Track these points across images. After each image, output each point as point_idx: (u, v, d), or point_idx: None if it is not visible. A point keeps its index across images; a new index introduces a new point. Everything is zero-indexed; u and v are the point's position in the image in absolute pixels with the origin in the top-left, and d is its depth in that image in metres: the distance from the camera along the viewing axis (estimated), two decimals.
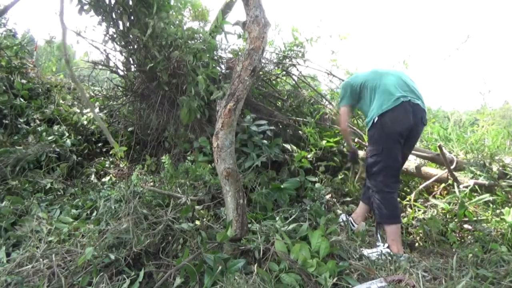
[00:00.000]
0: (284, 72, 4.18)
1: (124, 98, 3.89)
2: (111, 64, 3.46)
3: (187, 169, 2.54)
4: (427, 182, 2.90)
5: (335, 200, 2.82)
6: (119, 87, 3.93)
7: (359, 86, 2.23)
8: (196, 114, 2.94)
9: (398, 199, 2.81)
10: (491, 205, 2.42)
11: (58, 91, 4.17)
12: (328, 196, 2.68)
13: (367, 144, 2.30)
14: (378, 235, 2.02)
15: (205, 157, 2.81)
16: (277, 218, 2.09)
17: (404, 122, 1.98)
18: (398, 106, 1.97)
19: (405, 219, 2.50)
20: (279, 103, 4.00)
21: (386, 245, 1.89)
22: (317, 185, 2.67)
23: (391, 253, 1.82)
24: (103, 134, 3.68)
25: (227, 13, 3.74)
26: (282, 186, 2.45)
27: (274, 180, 2.69)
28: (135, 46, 3.19)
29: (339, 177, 3.08)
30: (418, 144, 3.95)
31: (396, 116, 1.98)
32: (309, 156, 2.98)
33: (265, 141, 2.82)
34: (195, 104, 2.88)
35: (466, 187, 2.55)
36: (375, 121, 2.04)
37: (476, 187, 2.57)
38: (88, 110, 3.80)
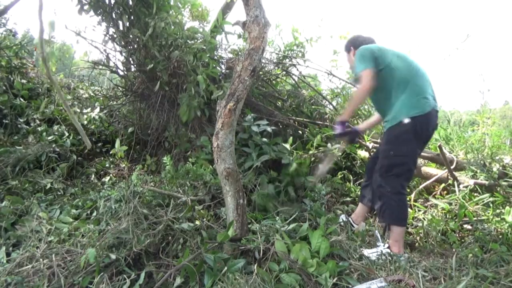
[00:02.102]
0: (284, 72, 4.18)
1: (124, 98, 3.89)
2: (111, 64, 3.46)
3: (188, 170, 2.54)
4: (427, 182, 2.90)
5: (335, 200, 2.82)
6: (119, 87, 3.94)
7: (383, 63, 1.99)
8: (196, 112, 2.93)
9: None
10: (491, 205, 2.42)
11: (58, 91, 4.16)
12: (328, 196, 2.68)
13: (383, 141, 2.07)
14: (378, 235, 2.02)
15: (206, 156, 2.82)
16: (277, 218, 2.09)
17: (431, 129, 1.98)
18: (430, 112, 1.91)
19: None
20: (279, 103, 4.01)
21: (386, 245, 1.89)
22: (318, 185, 2.66)
23: (391, 253, 1.82)
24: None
25: (227, 13, 3.74)
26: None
27: (275, 181, 2.68)
28: (135, 46, 3.19)
29: (339, 176, 3.08)
30: None
31: (428, 123, 1.93)
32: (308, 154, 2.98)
33: (265, 139, 2.82)
34: (195, 103, 2.88)
35: (466, 187, 2.56)
36: (404, 122, 1.89)
37: (476, 187, 2.57)
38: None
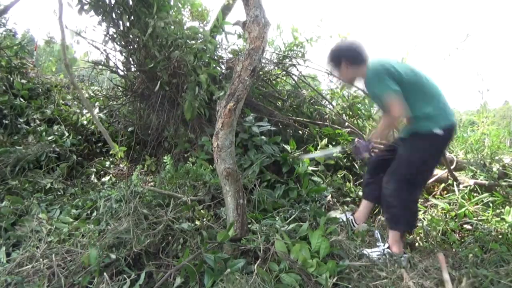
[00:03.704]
0: (284, 72, 4.18)
1: (124, 98, 3.89)
2: (111, 64, 3.46)
3: (188, 170, 2.54)
4: (427, 182, 2.90)
5: (335, 200, 2.82)
6: (119, 87, 3.94)
7: (400, 79, 1.88)
8: (200, 110, 2.94)
9: None
10: (491, 205, 2.42)
11: (58, 91, 4.17)
12: (329, 197, 2.68)
13: (407, 147, 1.98)
14: (378, 235, 2.02)
15: (207, 156, 2.82)
16: (277, 218, 2.10)
17: (450, 142, 2.00)
18: (453, 126, 1.92)
19: None
20: (279, 103, 4.01)
21: (387, 245, 1.89)
22: (322, 185, 2.67)
23: (392, 253, 1.82)
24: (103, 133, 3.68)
25: (227, 13, 3.74)
26: None
27: (275, 182, 2.68)
28: (135, 46, 3.19)
29: (339, 175, 3.08)
30: None
31: (450, 137, 1.95)
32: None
33: (264, 138, 2.83)
34: (197, 102, 2.88)
35: (466, 187, 2.56)
36: (433, 132, 1.86)
37: (476, 187, 2.57)
38: (87, 111, 3.80)
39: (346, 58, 2.02)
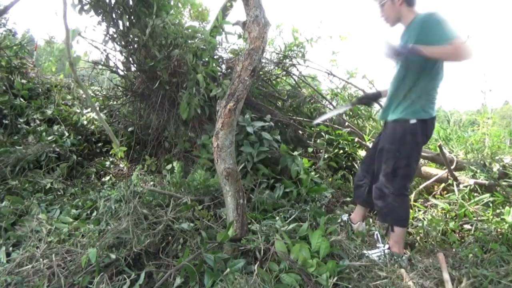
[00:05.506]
0: (284, 72, 4.18)
1: (124, 98, 3.89)
2: (111, 64, 3.46)
3: (194, 179, 2.51)
4: (427, 182, 2.90)
5: (335, 200, 2.83)
6: (119, 87, 3.94)
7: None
8: (197, 109, 2.93)
9: None
10: (491, 205, 2.42)
11: (58, 91, 4.17)
12: (329, 197, 2.68)
13: (387, 138, 1.94)
14: (379, 236, 2.02)
15: (208, 155, 2.82)
16: (277, 218, 2.10)
17: (432, 133, 1.93)
18: (435, 117, 1.88)
19: None
20: (279, 103, 4.01)
21: (387, 246, 1.88)
22: (322, 186, 2.66)
23: (393, 253, 1.82)
24: (103, 134, 3.68)
25: (227, 13, 3.74)
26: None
27: (275, 182, 2.68)
28: (135, 46, 3.19)
29: (339, 175, 3.08)
30: None
31: (432, 128, 1.90)
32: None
33: (265, 133, 2.83)
34: (195, 101, 2.88)
35: (466, 187, 2.55)
36: (410, 123, 1.81)
37: (476, 187, 2.57)
38: (90, 110, 3.81)
39: None
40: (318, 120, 2.77)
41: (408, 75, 1.82)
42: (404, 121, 1.84)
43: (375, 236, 2.04)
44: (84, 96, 4.16)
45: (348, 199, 2.86)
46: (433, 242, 2.17)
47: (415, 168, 1.94)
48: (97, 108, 3.68)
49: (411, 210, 2.61)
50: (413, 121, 1.81)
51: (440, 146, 2.67)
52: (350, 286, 1.52)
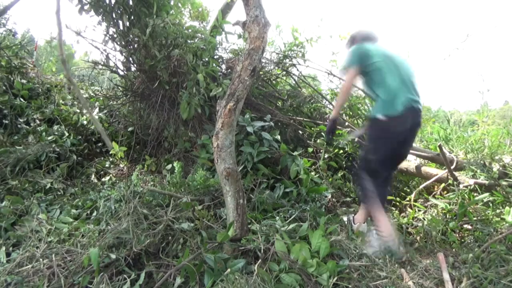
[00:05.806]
0: (284, 72, 4.18)
1: (124, 98, 3.89)
2: (111, 64, 3.46)
3: (194, 179, 2.52)
4: (427, 182, 2.90)
5: (335, 200, 2.82)
6: (119, 87, 3.94)
7: (370, 62, 2.11)
8: (197, 109, 2.93)
9: (398, 198, 2.82)
10: (491, 205, 2.41)
11: (58, 91, 4.17)
12: (329, 197, 2.68)
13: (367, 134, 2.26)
14: (374, 234, 2.04)
15: (207, 154, 2.82)
16: (277, 218, 2.09)
17: (402, 130, 2.04)
18: (401, 115, 1.99)
19: (405, 219, 2.50)
20: (279, 103, 4.01)
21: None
22: (322, 186, 2.66)
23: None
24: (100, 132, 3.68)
25: (227, 13, 3.74)
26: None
27: (275, 182, 2.68)
28: (135, 46, 3.19)
29: (339, 175, 3.08)
30: (418, 144, 3.96)
31: (395, 126, 2.03)
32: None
33: (265, 133, 2.83)
34: (195, 100, 2.88)
35: (466, 187, 2.55)
36: (378, 118, 2.04)
37: (476, 187, 2.57)
38: (83, 108, 3.81)
39: (353, 43, 2.41)
40: (350, 137, 2.99)
41: (368, 89, 2.22)
42: (374, 118, 2.10)
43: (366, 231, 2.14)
44: (84, 95, 4.16)
45: (348, 199, 2.86)
46: (433, 242, 2.17)
47: (382, 159, 2.10)
48: (95, 111, 3.69)
49: (410, 210, 2.61)
50: (379, 116, 2.05)
51: (440, 146, 2.67)
52: (350, 286, 1.52)
